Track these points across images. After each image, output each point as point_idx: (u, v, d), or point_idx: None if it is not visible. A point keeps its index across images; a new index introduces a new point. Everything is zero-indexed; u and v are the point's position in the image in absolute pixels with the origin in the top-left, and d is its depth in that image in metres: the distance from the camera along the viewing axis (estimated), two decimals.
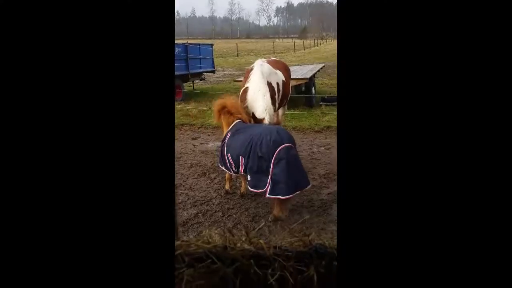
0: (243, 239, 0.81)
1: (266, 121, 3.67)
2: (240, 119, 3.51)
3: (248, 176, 3.15)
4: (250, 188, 3.16)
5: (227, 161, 3.33)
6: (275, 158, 2.89)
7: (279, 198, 2.91)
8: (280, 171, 2.87)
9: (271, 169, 2.92)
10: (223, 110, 3.54)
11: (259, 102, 3.72)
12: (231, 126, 3.48)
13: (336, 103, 8.20)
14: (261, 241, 0.79)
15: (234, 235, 0.84)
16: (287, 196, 2.87)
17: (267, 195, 2.95)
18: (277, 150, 2.89)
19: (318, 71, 10.11)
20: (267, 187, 2.94)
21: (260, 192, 3.05)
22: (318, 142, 5.72)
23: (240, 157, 3.13)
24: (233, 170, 3.32)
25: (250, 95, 3.84)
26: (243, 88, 4.08)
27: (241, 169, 3.18)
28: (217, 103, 3.62)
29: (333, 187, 3.97)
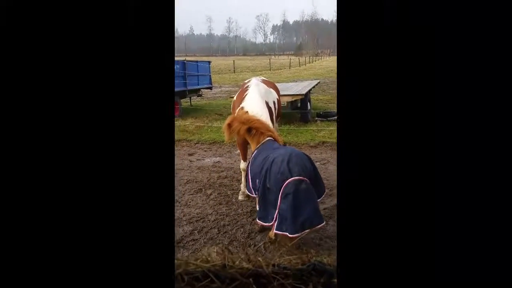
0: (242, 257, 0.81)
1: None
2: (271, 136, 3.27)
3: (257, 206, 2.93)
4: (257, 220, 2.94)
5: (249, 181, 3.08)
6: (282, 192, 2.63)
7: (287, 236, 2.62)
8: (286, 207, 2.59)
9: (278, 203, 2.64)
10: (251, 131, 3.28)
11: None
12: (260, 144, 3.23)
13: (331, 118, 8.29)
14: (259, 259, 0.79)
15: (233, 253, 0.84)
16: (294, 235, 2.54)
17: (274, 231, 2.70)
18: (284, 184, 2.62)
19: (314, 87, 10.26)
20: (274, 222, 2.67)
21: (267, 225, 2.82)
22: (314, 158, 5.73)
23: (256, 179, 2.92)
24: (254, 192, 3.06)
25: None
26: (239, 107, 3.90)
27: (256, 193, 2.94)
28: (239, 128, 3.28)
29: (329, 203, 3.96)
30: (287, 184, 2.61)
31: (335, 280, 0.77)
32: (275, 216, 2.67)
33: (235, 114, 3.58)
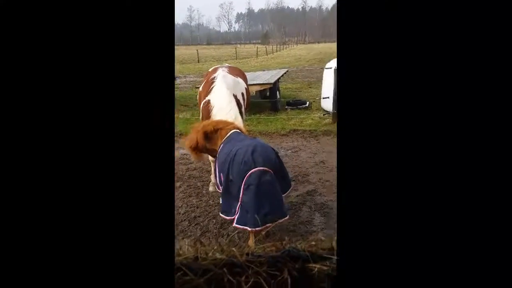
0: (215, 247, 0.79)
1: None
2: (235, 128, 3.06)
3: (220, 199, 2.81)
4: (220, 214, 2.82)
5: (216, 176, 2.91)
6: (244, 183, 2.49)
7: (246, 230, 2.54)
8: (248, 199, 2.47)
9: (240, 195, 2.51)
10: (210, 134, 3.06)
11: None
12: (225, 138, 3.01)
13: (301, 106, 8.40)
14: (233, 249, 0.78)
15: (205, 245, 0.82)
16: (255, 229, 2.45)
17: (234, 224, 2.56)
18: (247, 175, 2.48)
19: (282, 76, 10.30)
20: (236, 215, 2.55)
21: (229, 219, 2.71)
22: (285, 146, 5.80)
23: (221, 173, 2.77)
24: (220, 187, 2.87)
25: (216, 115, 3.47)
26: (205, 100, 3.70)
27: (221, 187, 2.78)
28: (196, 137, 3.05)
29: (302, 189, 4.04)
30: (250, 174, 2.49)
31: (310, 265, 0.78)
32: (237, 209, 2.55)
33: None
